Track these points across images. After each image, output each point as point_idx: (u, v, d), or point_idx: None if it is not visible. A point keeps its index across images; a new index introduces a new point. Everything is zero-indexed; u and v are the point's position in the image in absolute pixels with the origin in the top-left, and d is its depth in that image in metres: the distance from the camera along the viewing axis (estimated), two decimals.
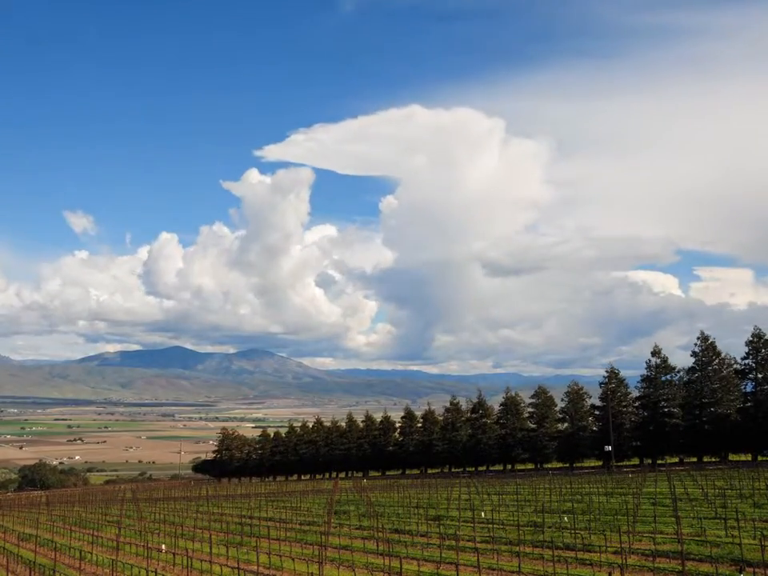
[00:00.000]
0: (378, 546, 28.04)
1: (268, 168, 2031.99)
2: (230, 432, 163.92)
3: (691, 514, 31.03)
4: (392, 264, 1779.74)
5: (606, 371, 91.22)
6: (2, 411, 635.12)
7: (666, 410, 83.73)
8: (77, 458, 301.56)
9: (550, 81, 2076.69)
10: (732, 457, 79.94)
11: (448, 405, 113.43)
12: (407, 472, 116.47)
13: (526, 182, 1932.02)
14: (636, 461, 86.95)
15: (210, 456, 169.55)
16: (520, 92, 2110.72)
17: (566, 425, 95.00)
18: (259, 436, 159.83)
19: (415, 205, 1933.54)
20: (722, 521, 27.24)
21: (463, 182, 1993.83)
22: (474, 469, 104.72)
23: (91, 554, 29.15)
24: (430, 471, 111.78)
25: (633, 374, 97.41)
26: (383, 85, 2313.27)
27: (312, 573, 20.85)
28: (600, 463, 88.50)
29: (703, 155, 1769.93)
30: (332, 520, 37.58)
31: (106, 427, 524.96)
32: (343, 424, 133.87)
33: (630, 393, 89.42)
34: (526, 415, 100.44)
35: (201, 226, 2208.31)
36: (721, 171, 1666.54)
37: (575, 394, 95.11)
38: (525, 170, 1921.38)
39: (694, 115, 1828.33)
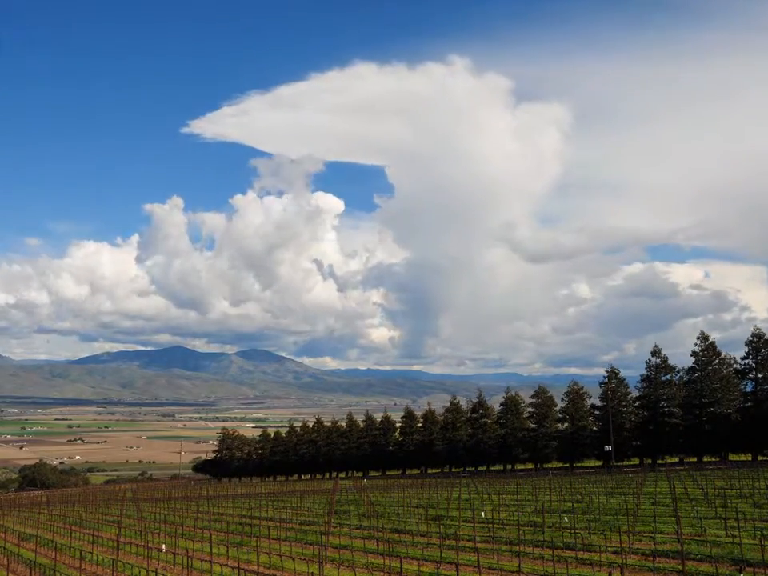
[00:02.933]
0: (378, 545, 28.05)
1: (206, 147, 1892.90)
2: (231, 432, 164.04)
3: (691, 514, 31.05)
4: (389, 260, 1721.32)
5: (606, 371, 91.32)
6: (2, 411, 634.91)
7: (666, 409, 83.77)
8: (77, 457, 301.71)
9: (566, 36, 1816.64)
10: (732, 457, 79.96)
11: (448, 405, 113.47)
12: (407, 472, 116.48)
13: (536, 160, 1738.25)
14: (636, 461, 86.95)
15: (211, 456, 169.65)
16: (531, 50, 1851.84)
17: (566, 425, 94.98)
18: (259, 436, 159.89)
19: (408, 196, 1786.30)
20: (722, 521, 27.25)
21: (459, 162, 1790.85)
22: (474, 469, 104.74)
23: (91, 553, 29.16)
24: (430, 471, 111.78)
25: (633, 373, 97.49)
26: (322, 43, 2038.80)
27: (312, 572, 20.86)
28: (600, 463, 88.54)
29: (744, 136, 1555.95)
30: (332, 520, 37.59)
31: (106, 427, 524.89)
32: (343, 424, 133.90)
33: (630, 393, 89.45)
34: (526, 415, 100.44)
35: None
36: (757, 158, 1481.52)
37: (575, 394, 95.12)
38: (534, 145, 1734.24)
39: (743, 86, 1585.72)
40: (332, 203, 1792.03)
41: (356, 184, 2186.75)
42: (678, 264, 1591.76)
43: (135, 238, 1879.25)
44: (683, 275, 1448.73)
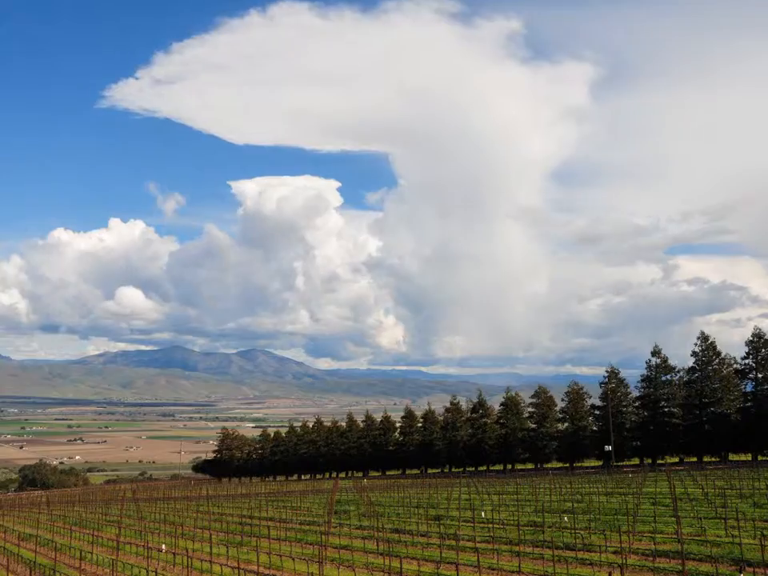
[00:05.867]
0: (378, 545, 28.05)
1: (133, 124, 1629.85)
2: (230, 432, 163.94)
3: (691, 514, 31.04)
4: (390, 254, 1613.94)
5: (606, 371, 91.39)
6: (2, 411, 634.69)
7: (666, 409, 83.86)
8: (77, 457, 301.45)
9: None
10: (732, 457, 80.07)
11: (448, 405, 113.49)
12: (407, 472, 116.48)
13: (549, 132, 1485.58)
14: (636, 461, 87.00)
15: (210, 456, 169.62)
16: None
17: (566, 425, 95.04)
18: (259, 436, 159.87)
19: (408, 183, 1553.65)
20: (722, 521, 27.25)
21: (463, 139, 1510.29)
22: (474, 469, 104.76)
23: (91, 553, 29.16)
24: (430, 471, 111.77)
25: (634, 373, 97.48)
26: None
27: (312, 572, 20.86)
28: (600, 463, 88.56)
29: None
30: (332, 520, 37.59)
31: (106, 427, 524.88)
32: (343, 424, 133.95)
33: (630, 393, 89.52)
34: (527, 415, 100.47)
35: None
36: None
37: (575, 394, 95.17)
38: (547, 114, 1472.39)
39: None
40: (326, 191, 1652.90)
41: (348, 171, 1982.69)
42: (703, 258, 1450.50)
43: (133, 234, 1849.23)
44: (709, 270, 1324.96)
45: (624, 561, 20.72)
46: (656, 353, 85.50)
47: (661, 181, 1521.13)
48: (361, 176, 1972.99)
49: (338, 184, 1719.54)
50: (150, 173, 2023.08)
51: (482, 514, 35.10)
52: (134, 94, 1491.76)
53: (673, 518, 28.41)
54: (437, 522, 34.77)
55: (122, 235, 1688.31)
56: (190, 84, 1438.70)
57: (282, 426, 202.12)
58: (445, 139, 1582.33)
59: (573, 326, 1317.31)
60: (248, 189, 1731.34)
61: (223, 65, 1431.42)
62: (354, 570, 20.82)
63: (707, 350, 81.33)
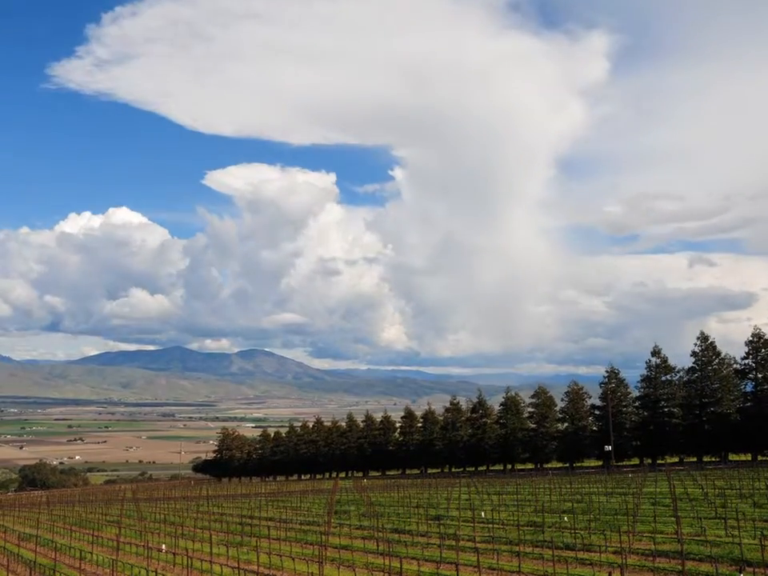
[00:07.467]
0: (378, 545, 28.06)
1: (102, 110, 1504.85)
2: (231, 432, 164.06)
3: (691, 514, 31.05)
4: (383, 254, 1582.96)
5: (606, 371, 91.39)
6: (2, 411, 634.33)
7: (666, 409, 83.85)
8: (77, 457, 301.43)
9: None
10: (732, 457, 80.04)
11: (448, 405, 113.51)
12: (407, 472, 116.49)
13: (561, 110, 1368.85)
14: (636, 461, 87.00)
15: (211, 456, 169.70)
16: None
17: (566, 425, 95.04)
18: (259, 436, 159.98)
19: (411, 172, 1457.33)
20: (722, 521, 27.27)
21: (469, 123, 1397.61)
22: (474, 469, 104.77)
23: (91, 553, 29.16)
24: (430, 471, 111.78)
25: (635, 373, 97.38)
26: None
27: (312, 573, 20.88)
28: (600, 463, 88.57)
29: None
30: (332, 520, 37.61)
31: (106, 427, 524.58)
32: (343, 424, 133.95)
33: (630, 393, 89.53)
34: (526, 415, 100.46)
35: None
36: None
37: (575, 394, 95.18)
38: (559, 91, 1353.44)
39: None
40: (321, 184, 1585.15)
41: (341, 163, 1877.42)
42: (726, 252, 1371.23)
43: (130, 234, 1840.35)
44: (733, 264, 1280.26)
45: (624, 561, 20.72)
46: (656, 353, 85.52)
47: (689, 167, 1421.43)
48: (356, 168, 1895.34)
49: (333, 177, 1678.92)
50: (128, 162, 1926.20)
51: (482, 513, 35.11)
52: (80, 74, 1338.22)
53: (673, 518, 28.41)
54: (437, 522, 34.78)
55: (117, 232, 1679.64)
56: (140, 63, 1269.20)
57: (282, 426, 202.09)
58: (444, 126, 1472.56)
59: (583, 325, 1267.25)
60: (236, 183, 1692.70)
61: (169, 38, 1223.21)
62: (354, 570, 20.83)
63: (707, 350, 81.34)
